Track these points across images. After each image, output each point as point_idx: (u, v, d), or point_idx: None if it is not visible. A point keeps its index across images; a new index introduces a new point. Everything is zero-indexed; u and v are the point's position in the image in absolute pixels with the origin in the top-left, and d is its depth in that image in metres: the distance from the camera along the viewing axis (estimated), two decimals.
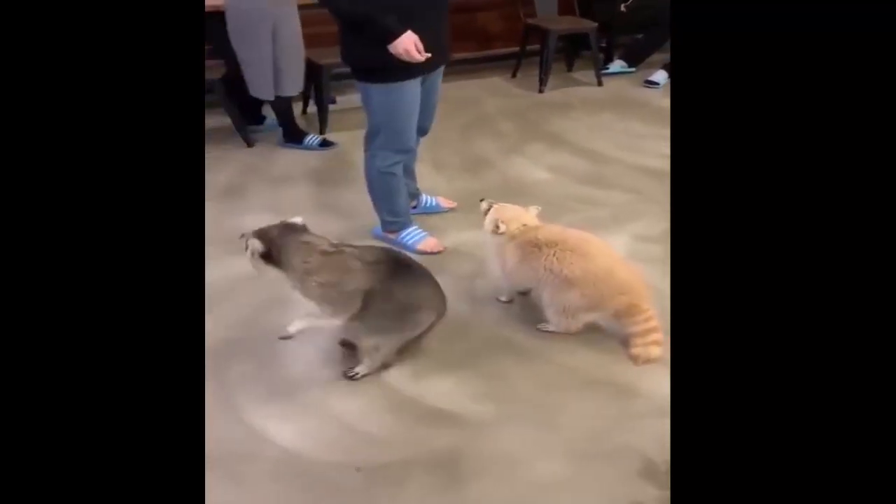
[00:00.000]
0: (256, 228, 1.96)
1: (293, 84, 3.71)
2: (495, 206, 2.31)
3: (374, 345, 2.00)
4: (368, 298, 1.92)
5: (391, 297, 1.95)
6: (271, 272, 1.92)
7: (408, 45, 2.21)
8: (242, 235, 1.96)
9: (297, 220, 2.00)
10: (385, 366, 2.06)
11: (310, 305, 1.95)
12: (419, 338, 2.08)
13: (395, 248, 2.12)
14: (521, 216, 2.25)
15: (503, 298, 2.40)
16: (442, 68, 2.57)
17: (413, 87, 2.40)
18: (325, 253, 1.92)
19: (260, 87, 3.61)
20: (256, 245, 1.87)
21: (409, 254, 2.25)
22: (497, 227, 2.21)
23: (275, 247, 1.88)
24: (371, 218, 2.78)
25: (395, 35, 2.20)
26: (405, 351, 2.09)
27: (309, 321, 1.99)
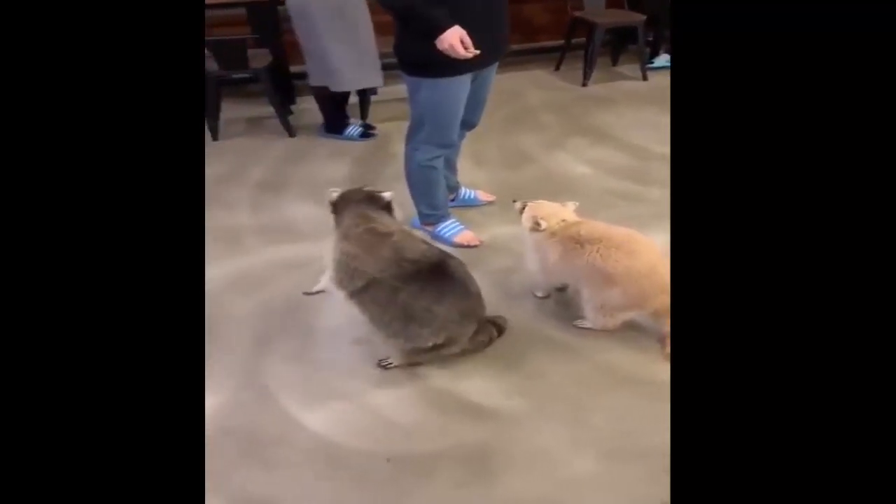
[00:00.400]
0: (357, 188, 2.10)
1: (357, 79, 3.63)
2: (530, 203, 2.28)
3: (383, 338, 1.99)
4: (372, 287, 1.91)
5: (395, 299, 1.89)
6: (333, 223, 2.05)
7: (453, 40, 2.13)
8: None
9: (387, 195, 2.06)
10: (411, 363, 2.05)
11: (327, 265, 2.02)
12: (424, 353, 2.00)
13: (452, 254, 2.05)
14: (558, 212, 2.22)
15: (539, 294, 2.38)
16: (496, 63, 2.53)
17: (462, 83, 2.36)
18: (370, 231, 1.95)
19: (317, 77, 3.60)
20: (332, 194, 2.06)
21: (445, 247, 2.21)
22: (537, 223, 2.18)
23: (342, 203, 2.03)
24: (409, 209, 2.78)
25: (442, 29, 2.13)
26: (437, 356, 2.03)
27: (327, 285, 2.05)
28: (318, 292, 2.07)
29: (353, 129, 3.85)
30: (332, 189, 2.09)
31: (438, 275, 1.94)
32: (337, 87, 3.59)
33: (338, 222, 2.02)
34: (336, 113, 3.81)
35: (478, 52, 2.18)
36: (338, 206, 2.04)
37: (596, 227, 2.16)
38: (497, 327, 2.15)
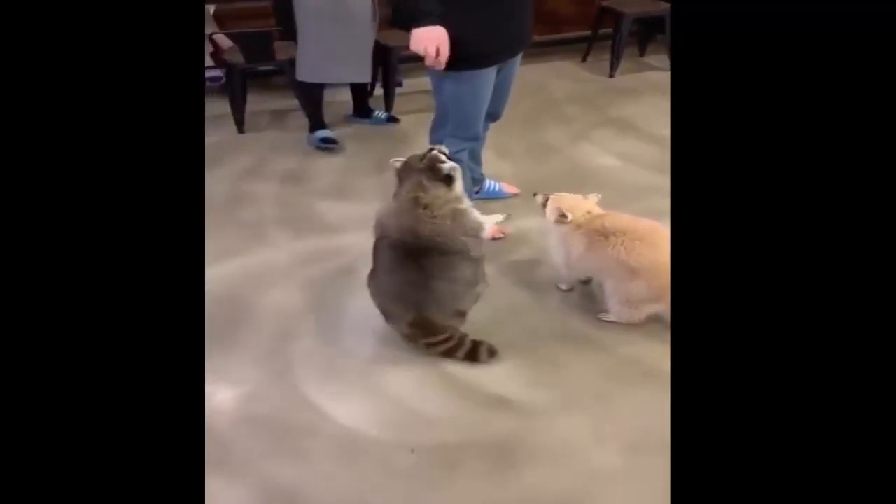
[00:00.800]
0: (423, 153, 2.09)
1: (345, 71, 3.52)
2: (552, 196, 2.27)
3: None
4: (380, 239, 2.03)
5: (377, 254, 2.06)
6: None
7: (427, 42, 1.98)
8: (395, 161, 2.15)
9: (447, 166, 2.03)
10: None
11: None
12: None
13: (466, 250, 2.03)
14: (581, 204, 2.21)
15: (563, 287, 2.37)
16: (521, 54, 2.51)
17: (487, 75, 2.32)
18: (415, 199, 1.97)
19: (305, 69, 3.46)
20: (396, 164, 2.11)
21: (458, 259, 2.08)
22: (563, 215, 2.17)
23: (405, 170, 2.06)
24: None
25: (420, 24, 1.97)
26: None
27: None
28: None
29: (381, 112, 3.89)
30: (395, 159, 2.13)
31: (416, 258, 1.96)
32: (315, 79, 3.49)
33: (399, 186, 2.06)
34: (315, 112, 3.71)
35: (442, 67, 2.06)
36: (401, 173, 2.07)
37: (620, 219, 2.14)
38: (473, 352, 2.07)
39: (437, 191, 1.99)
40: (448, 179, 2.01)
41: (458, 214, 2.00)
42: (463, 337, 2.07)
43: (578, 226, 2.16)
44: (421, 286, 1.97)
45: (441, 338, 2.02)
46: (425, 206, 1.96)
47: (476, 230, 2.03)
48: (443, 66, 2.08)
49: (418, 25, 1.98)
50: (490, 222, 2.11)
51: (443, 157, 2.05)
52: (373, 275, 2.09)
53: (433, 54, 2.02)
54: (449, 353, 2.05)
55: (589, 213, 2.18)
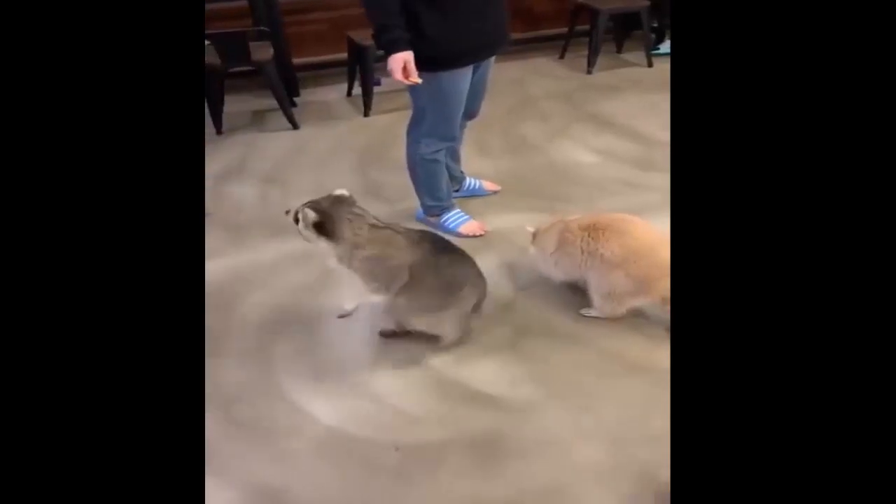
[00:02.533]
0: (307, 201, 1.96)
1: None
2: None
3: (429, 323, 2.01)
4: (415, 273, 1.92)
5: (438, 272, 1.95)
6: (322, 243, 1.92)
7: (394, 65, 2.15)
8: (287, 211, 1.99)
9: (344, 192, 2.00)
10: (464, 332, 2.09)
11: (355, 280, 1.96)
12: (469, 318, 2.08)
13: (433, 230, 2.11)
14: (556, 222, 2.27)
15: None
16: (493, 58, 2.51)
17: (464, 75, 2.34)
18: (373, 227, 1.93)
19: None
20: (311, 215, 1.88)
21: (450, 237, 2.22)
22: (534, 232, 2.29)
23: (327, 217, 1.89)
24: (414, 201, 2.78)
25: (389, 52, 2.15)
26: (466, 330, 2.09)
27: (361, 297, 2.01)
28: (350, 313, 2.06)
29: None
30: (287, 211, 1.97)
31: (441, 243, 2.03)
32: None
33: (334, 236, 1.90)
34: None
35: (419, 81, 2.20)
36: (325, 225, 1.89)
37: (588, 216, 2.19)
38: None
39: (365, 211, 1.98)
40: (354, 200, 2.00)
41: (395, 224, 2.05)
42: None
43: (548, 229, 2.23)
44: (463, 257, 2.06)
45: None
46: (385, 226, 1.97)
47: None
48: (415, 80, 2.19)
49: (389, 53, 2.15)
50: None
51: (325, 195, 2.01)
52: (447, 289, 1.98)
53: (401, 78, 2.18)
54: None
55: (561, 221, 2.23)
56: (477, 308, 2.08)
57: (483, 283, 2.08)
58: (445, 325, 2.02)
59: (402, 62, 2.15)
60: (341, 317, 2.06)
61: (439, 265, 1.95)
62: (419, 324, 2.03)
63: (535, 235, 2.31)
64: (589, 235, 2.08)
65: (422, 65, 2.21)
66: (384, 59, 2.19)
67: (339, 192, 2.00)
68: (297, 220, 1.94)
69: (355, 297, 2.01)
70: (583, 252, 2.09)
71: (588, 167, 3.29)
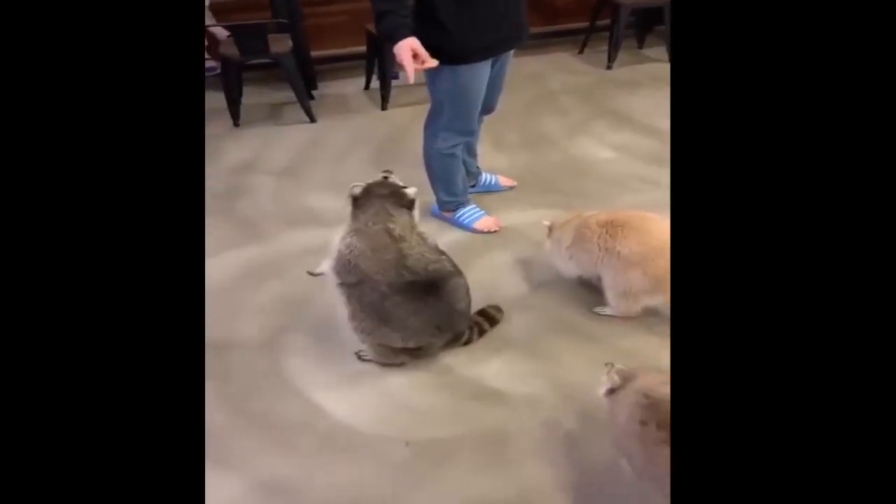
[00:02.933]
0: (380, 179, 2.00)
1: None
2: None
3: (353, 330, 1.96)
4: (362, 285, 1.86)
5: (379, 303, 1.86)
6: (348, 217, 1.96)
7: (402, 53, 2.05)
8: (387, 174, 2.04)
9: (411, 191, 1.98)
10: (384, 363, 2.01)
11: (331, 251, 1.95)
12: (397, 354, 1.99)
13: (455, 269, 1.99)
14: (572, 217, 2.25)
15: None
16: (511, 52, 2.48)
17: (482, 69, 2.31)
18: (386, 231, 1.88)
19: None
20: (357, 189, 1.95)
21: (455, 284, 1.98)
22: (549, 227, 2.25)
23: (365, 197, 1.94)
24: (429, 196, 2.77)
25: (393, 40, 2.06)
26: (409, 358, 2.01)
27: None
28: (319, 274, 2.04)
29: None
30: (355, 184, 1.98)
31: (430, 291, 1.90)
32: None
33: (355, 216, 1.93)
34: None
35: (435, 62, 2.10)
36: (359, 200, 1.94)
37: (607, 212, 2.16)
38: (489, 319, 2.15)
39: (403, 218, 1.93)
40: (411, 205, 1.97)
41: (423, 240, 1.97)
42: (473, 323, 2.11)
43: (565, 223, 2.21)
44: (452, 311, 1.97)
45: (466, 337, 2.08)
46: (400, 238, 1.89)
47: (437, 248, 2.00)
48: (431, 63, 2.10)
49: (393, 42, 2.06)
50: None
51: (402, 183, 2.01)
52: (379, 320, 1.89)
53: (409, 65, 2.07)
54: (468, 342, 2.10)
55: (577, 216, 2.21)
56: (432, 349, 2.01)
57: (437, 338, 1.98)
58: (366, 345, 1.99)
59: (409, 49, 2.06)
60: (310, 273, 2.06)
61: (390, 301, 1.86)
62: (345, 320, 1.98)
63: (551, 229, 2.29)
64: (607, 232, 2.05)
65: (441, 59, 2.17)
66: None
67: (408, 189, 1.98)
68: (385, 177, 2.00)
69: (324, 267, 1.98)
70: (599, 249, 2.06)
71: (605, 163, 3.25)
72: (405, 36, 2.05)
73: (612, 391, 1.56)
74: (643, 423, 1.40)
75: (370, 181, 1.98)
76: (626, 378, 1.54)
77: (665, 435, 1.34)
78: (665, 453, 1.29)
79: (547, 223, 2.31)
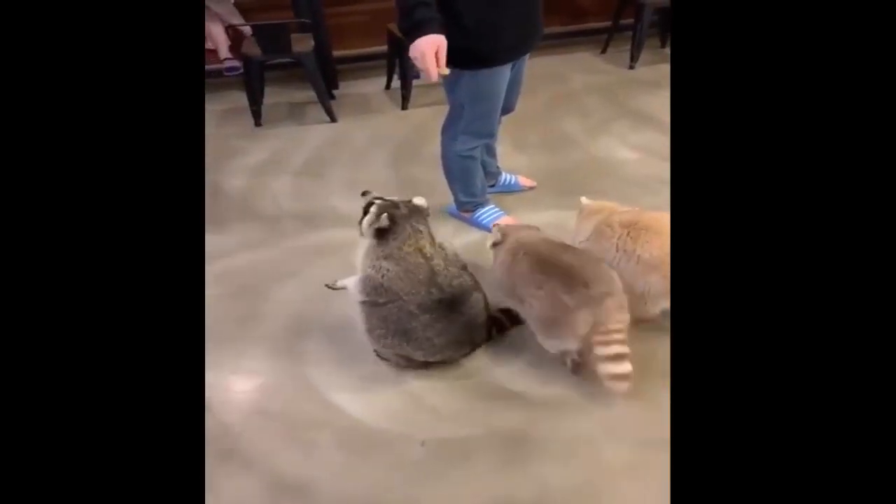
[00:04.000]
0: (384, 201, 1.95)
1: None
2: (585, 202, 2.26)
3: (372, 340, 1.98)
4: (390, 305, 1.87)
5: (407, 323, 1.87)
6: (370, 241, 1.91)
7: (426, 48, 1.91)
8: (365, 193, 2.01)
9: (422, 201, 1.97)
10: (400, 366, 2.03)
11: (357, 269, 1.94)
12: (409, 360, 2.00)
13: (475, 282, 2.02)
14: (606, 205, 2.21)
15: None
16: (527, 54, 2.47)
17: (503, 72, 2.29)
18: (418, 251, 1.89)
19: None
20: (384, 221, 1.87)
21: (476, 299, 2.01)
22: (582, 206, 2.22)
23: (396, 225, 1.88)
24: (447, 197, 2.77)
25: (418, 33, 1.91)
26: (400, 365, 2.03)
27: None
28: (339, 288, 2.03)
29: None
30: (383, 213, 1.88)
31: (454, 308, 1.92)
32: None
33: (384, 242, 1.89)
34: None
35: (447, 72, 1.98)
36: (389, 230, 1.88)
37: (630, 212, 2.12)
38: (511, 319, 2.14)
39: (427, 232, 1.93)
40: (427, 215, 1.96)
41: (444, 250, 1.97)
42: (493, 321, 2.12)
43: (591, 213, 2.17)
44: (472, 326, 1.99)
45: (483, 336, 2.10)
46: (431, 257, 1.90)
47: (456, 257, 2.01)
48: (444, 71, 1.99)
49: (418, 35, 1.91)
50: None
51: (396, 198, 1.98)
52: (403, 337, 1.90)
53: (433, 64, 1.94)
54: (487, 339, 2.11)
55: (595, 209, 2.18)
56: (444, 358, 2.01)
57: (458, 351, 2.01)
58: (385, 350, 2.00)
59: (434, 46, 1.91)
60: (329, 286, 2.06)
61: (418, 321, 1.87)
62: (364, 331, 1.99)
63: (580, 214, 2.24)
64: (628, 234, 2.02)
65: (462, 62, 2.14)
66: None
67: (417, 200, 1.97)
68: (366, 212, 1.93)
69: (348, 284, 1.99)
70: (617, 250, 2.04)
71: (627, 164, 3.23)
72: (435, 31, 1.92)
73: (495, 244, 2.12)
74: (514, 255, 1.99)
75: (379, 202, 1.92)
76: (506, 233, 2.12)
77: (527, 258, 1.95)
78: (520, 269, 1.94)
79: (586, 201, 2.26)
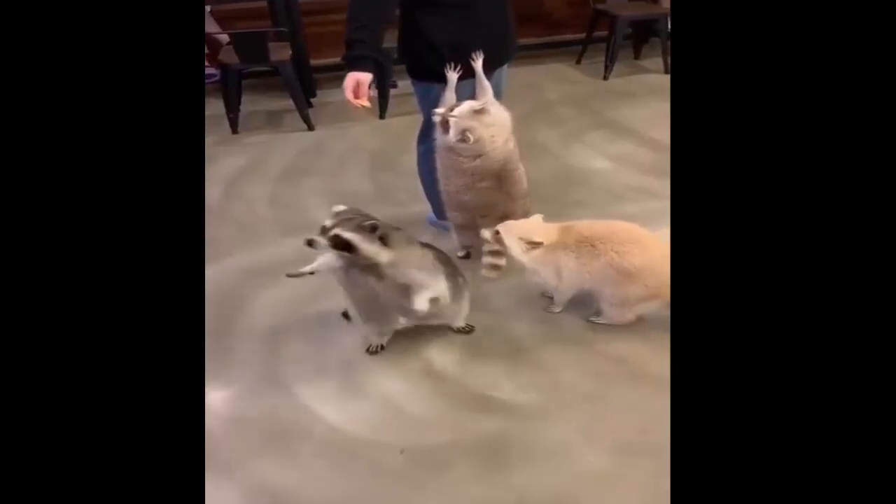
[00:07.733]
0: (347, 225, 1.87)
1: None
2: (500, 228, 2.14)
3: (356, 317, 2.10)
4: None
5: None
6: (342, 260, 1.92)
7: (349, 83, 2.06)
8: (319, 235, 1.93)
9: (342, 207, 1.97)
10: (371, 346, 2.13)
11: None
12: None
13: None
14: (536, 226, 2.13)
15: (557, 309, 2.28)
16: (506, 65, 2.49)
17: (472, 86, 2.28)
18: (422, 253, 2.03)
19: None
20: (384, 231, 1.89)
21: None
22: (531, 242, 2.09)
23: (385, 238, 1.88)
24: (425, 205, 2.78)
25: (348, 68, 2.07)
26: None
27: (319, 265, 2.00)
28: (299, 275, 2.05)
29: None
30: (373, 224, 1.87)
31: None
32: None
33: (380, 250, 1.88)
34: None
35: (367, 105, 2.10)
36: (382, 239, 1.88)
37: (594, 226, 2.12)
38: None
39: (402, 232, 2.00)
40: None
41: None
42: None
43: (559, 244, 2.10)
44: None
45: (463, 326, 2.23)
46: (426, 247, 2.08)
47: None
48: (365, 104, 2.10)
49: (349, 69, 2.07)
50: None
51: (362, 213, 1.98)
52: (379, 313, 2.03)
53: (350, 97, 2.08)
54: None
55: (560, 228, 2.12)
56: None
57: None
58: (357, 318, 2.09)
59: (353, 82, 2.06)
60: (290, 275, 2.07)
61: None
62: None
63: (523, 240, 2.12)
64: (614, 250, 2.02)
65: (431, 76, 2.23)
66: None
67: (337, 208, 1.95)
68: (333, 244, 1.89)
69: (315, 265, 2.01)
70: (607, 265, 2.03)
71: (601, 173, 3.27)
72: (362, 69, 2.06)
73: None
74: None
75: (367, 223, 1.88)
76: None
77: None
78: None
79: (487, 234, 2.16)
